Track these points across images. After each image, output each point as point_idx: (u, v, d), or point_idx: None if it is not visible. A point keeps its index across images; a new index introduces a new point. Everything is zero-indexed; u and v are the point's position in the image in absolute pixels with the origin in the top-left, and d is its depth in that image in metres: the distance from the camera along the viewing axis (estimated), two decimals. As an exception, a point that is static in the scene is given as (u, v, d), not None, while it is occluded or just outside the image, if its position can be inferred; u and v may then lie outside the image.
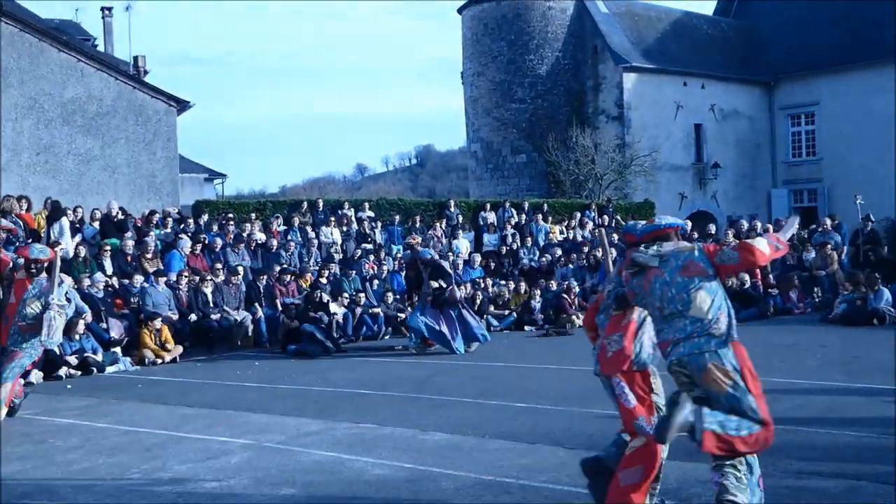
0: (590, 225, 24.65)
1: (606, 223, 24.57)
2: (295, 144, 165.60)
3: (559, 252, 21.95)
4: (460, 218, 23.80)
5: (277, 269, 17.70)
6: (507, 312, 18.94)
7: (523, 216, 24.27)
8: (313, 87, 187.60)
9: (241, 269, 17.21)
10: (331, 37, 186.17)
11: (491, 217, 24.13)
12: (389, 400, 10.45)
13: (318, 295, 16.21)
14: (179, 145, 24.41)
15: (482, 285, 19.45)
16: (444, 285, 14.81)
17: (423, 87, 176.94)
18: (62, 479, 7.10)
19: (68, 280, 14.33)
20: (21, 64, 21.21)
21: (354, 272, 18.76)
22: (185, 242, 17.49)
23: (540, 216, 24.25)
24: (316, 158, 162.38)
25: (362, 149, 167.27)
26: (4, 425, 9.17)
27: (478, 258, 21.34)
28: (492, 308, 18.89)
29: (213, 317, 15.96)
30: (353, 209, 22.94)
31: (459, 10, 36.99)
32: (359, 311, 17.03)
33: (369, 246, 20.81)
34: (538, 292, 18.99)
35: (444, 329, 14.53)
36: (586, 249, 21.63)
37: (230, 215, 20.46)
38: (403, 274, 16.87)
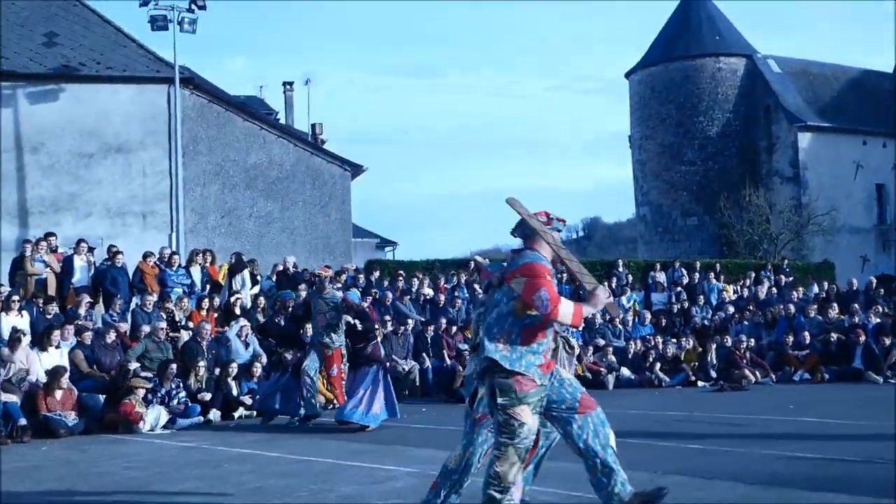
0: (765, 284, 23.74)
1: (783, 284, 23.63)
2: (463, 217, 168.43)
3: (732, 310, 21.19)
4: (629, 278, 23.38)
5: (444, 321, 17.78)
6: (678, 368, 18.37)
7: (695, 276, 23.63)
8: (481, 161, 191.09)
9: (409, 320, 17.38)
10: (498, 113, 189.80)
11: (661, 277, 23.59)
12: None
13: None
14: (353, 214, 25.30)
15: (652, 343, 18.98)
16: (367, 337, 11.63)
17: (590, 161, 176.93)
18: (234, 498, 7.24)
19: (248, 326, 15.03)
20: (209, 133, 22.58)
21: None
22: (354, 294, 17.89)
23: (712, 275, 23.55)
24: (484, 231, 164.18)
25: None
26: (183, 453, 9.48)
27: (647, 315, 20.83)
28: (658, 365, 18.34)
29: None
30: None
31: (627, 75, 36.95)
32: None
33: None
34: (714, 347, 18.36)
35: (361, 394, 11.28)
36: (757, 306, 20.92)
37: (400, 272, 20.91)
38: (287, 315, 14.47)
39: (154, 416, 11.96)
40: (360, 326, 11.27)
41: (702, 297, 22.36)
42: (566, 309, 5.11)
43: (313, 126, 26.24)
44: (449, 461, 5.89)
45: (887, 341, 18.05)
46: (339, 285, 18.93)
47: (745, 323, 20.51)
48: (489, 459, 5.40)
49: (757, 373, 17.89)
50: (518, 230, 5.52)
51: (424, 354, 16.87)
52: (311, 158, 24.23)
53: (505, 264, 5.41)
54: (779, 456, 8.33)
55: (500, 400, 5.15)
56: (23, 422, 11.24)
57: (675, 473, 7.73)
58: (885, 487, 6.86)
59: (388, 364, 13.08)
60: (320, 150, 24.98)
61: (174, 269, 16.42)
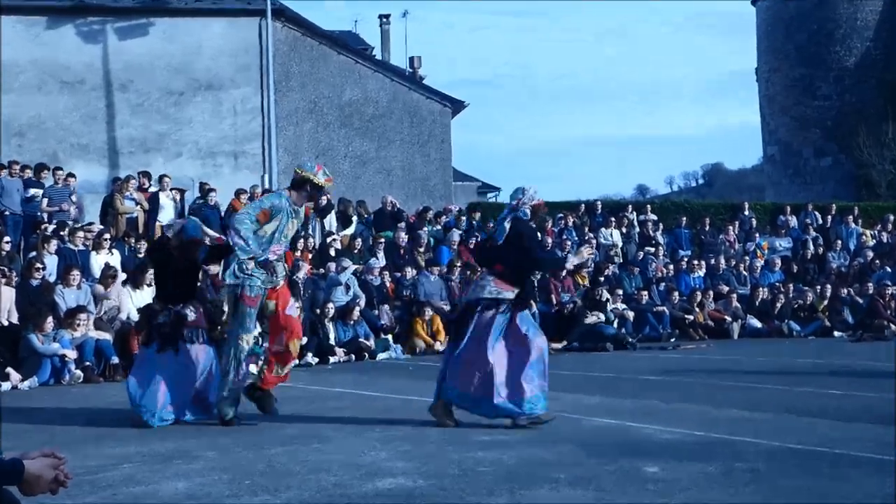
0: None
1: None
2: (570, 168, 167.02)
3: (871, 255, 20.48)
4: (754, 221, 22.81)
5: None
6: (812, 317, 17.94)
7: (829, 220, 22.90)
8: (589, 108, 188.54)
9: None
10: (608, 56, 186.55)
11: (792, 221, 22.97)
12: (677, 384, 10.08)
13: (599, 292, 16.05)
14: (454, 156, 25.12)
15: (783, 289, 18.52)
16: None
17: (710, 104, 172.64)
18: (330, 424, 7.34)
19: (351, 267, 15.18)
20: (302, 68, 22.72)
21: (637, 270, 18.45)
22: (454, 235, 17.95)
23: (851, 219, 22.76)
24: (593, 181, 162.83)
25: (643, 171, 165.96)
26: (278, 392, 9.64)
27: (777, 261, 20.30)
28: (789, 314, 17.87)
29: (486, 310, 16.16)
30: (634, 212, 22.62)
31: (753, 2, 35.64)
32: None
33: (652, 249, 20.41)
34: (850, 296, 17.80)
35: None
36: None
37: (504, 214, 20.75)
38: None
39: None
40: None
41: (838, 242, 21.68)
42: None
43: (411, 59, 26.11)
44: None
45: None
46: (439, 227, 19.02)
47: (888, 270, 19.82)
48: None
49: (903, 322, 17.35)
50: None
51: (531, 300, 16.75)
52: (408, 94, 24.16)
53: None
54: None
55: None
56: (115, 360, 11.60)
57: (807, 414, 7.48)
58: None
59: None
60: (419, 84, 24.87)
61: (267, 208, 16.64)
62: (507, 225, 7.23)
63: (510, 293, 7.13)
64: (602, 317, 16.24)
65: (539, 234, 8.81)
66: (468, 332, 7.08)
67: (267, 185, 20.02)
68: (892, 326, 16.83)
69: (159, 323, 7.78)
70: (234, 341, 7.46)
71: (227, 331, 7.89)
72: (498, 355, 7.02)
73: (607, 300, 16.58)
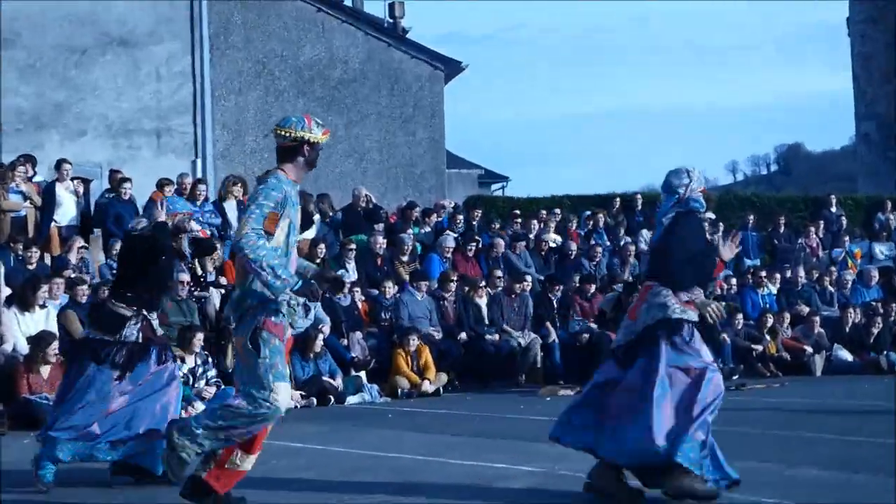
0: None
1: None
2: (601, 147, 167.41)
3: None
4: (844, 221, 22.99)
5: (577, 278, 17.74)
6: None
7: (946, 217, 23.15)
8: (627, 70, 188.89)
9: (528, 277, 17.35)
10: (653, 6, 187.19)
11: (893, 220, 23.16)
12: (741, 436, 10.16)
13: (632, 300, 16.12)
14: (448, 133, 25.23)
15: (881, 311, 18.69)
16: None
17: (787, 66, 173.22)
18: (281, 491, 7.41)
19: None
20: (247, 18, 22.80)
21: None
22: (448, 239, 17.97)
23: (977, 216, 23.01)
24: (632, 166, 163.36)
25: (699, 152, 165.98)
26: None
27: (874, 274, 20.43)
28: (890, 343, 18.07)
29: (489, 338, 16.20)
30: (685, 208, 22.73)
31: (843, -70, 35.95)
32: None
33: (709, 256, 20.50)
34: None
35: None
36: None
37: (516, 211, 20.95)
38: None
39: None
40: None
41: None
42: None
43: (391, 7, 26.01)
44: None
45: None
46: (428, 229, 19.09)
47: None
48: None
49: None
50: None
51: (549, 324, 16.87)
52: (387, 52, 24.20)
53: None
54: None
55: None
56: (-3, 407, 11.62)
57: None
58: None
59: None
60: (401, 40, 24.88)
61: (199, 203, 16.69)
62: (667, 221, 7.39)
63: (694, 313, 7.28)
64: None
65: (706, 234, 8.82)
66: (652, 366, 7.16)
67: (199, 173, 20.07)
68: None
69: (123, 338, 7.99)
70: (262, 399, 6.70)
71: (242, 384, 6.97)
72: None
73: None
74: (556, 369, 16.58)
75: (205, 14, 20.63)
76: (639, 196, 23.31)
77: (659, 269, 7.34)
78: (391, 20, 25.51)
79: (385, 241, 17.63)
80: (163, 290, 8.53)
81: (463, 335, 16.21)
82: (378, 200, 20.34)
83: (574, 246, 19.52)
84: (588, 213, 21.86)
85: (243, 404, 6.66)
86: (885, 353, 17.81)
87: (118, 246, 13.13)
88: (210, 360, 13.33)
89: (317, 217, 18.32)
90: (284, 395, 6.77)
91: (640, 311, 7.27)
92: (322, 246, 17.01)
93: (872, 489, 7.31)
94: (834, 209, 23.49)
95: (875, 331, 18.14)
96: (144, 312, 8.16)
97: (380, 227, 18.07)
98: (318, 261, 16.63)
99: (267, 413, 6.68)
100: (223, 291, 15.00)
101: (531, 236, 19.72)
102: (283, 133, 6.92)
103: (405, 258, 17.55)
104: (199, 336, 13.19)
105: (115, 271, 8.75)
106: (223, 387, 12.90)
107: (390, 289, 16.41)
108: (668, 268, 7.22)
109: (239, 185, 17.39)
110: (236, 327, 6.95)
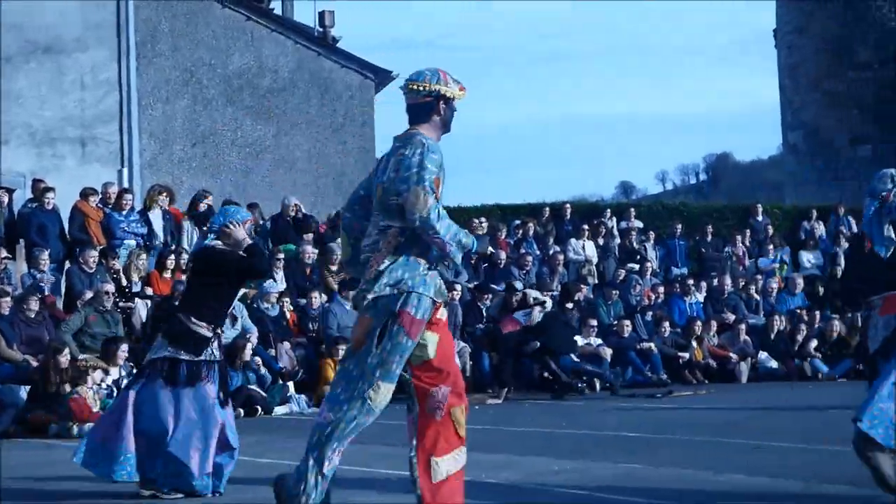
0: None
1: None
2: (537, 155, 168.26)
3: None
4: (770, 230, 23.32)
5: (505, 286, 17.86)
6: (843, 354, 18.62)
7: (868, 227, 23.49)
8: (559, 78, 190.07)
9: (456, 286, 17.44)
10: (585, 15, 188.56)
11: (819, 228, 23.53)
12: (668, 443, 10.31)
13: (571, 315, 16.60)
14: (378, 142, 25.19)
15: (806, 318, 18.98)
16: None
17: (716, 76, 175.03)
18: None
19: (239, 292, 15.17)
20: (175, 26, 22.63)
21: (617, 294, 18.70)
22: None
23: (893, 226, 23.34)
24: (564, 174, 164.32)
25: (628, 162, 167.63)
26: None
27: (799, 282, 20.74)
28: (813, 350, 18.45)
29: (418, 348, 16.26)
30: (614, 218, 22.96)
31: (770, -59, 36.47)
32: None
33: (636, 266, 20.73)
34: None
35: None
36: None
37: (445, 221, 20.93)
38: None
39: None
40: None
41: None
42: None
43: (321, 15, 25.99)
44: None
45: None
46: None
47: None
48: None
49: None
50: None
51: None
52: (317, 61, 24.16)
53: None
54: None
55: None
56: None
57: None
58: None
59: None
60: (331, 49, 24.84)
61: (125, 213, 16.57)
62: (890, 229, 7.09)
63: None
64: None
65: None
66: None
67: (126, 182, 19.91)
68: (945, 366, 17.29)
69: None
70: (357, 393, 6.13)
71: (345, 372, 6.30)
72: None
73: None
74: (485, 378, 16.64)
75: (131, 22, 20.47)
76: (568, 205, 23.45)
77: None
78: (321, 29, 25.46)
79: (314, 250, 17.64)
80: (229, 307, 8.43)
81: (391, 345, 16.22)
82: (308, 210, 20.29)
83: (503, 255, 19.64)
84: (517, 222, 21.97)
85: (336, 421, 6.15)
86: (809, 360, 18.09)
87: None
88: (135, 371, 13.19)
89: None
90: (384, 397, 6.11)
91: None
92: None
93: (797, 496, 7.42)
94: (760, 218, 23.80)
95: (800, 338, 18.42)
96: (217, 330, 7.99)
97: (309, 236, 18.08)
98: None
99: (359, 416, 6.14)
100: (149, 303, 14.89)
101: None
102: (415, 88, 6.26)
103: (334, 268, 17.50)
104: (124, 348, 13.10)
105: (187, 285, 8.43)
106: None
107: (319, 299, 16.40)
108: None
109: (164, 194, 17.29)
110: (368, 305, 6.07)
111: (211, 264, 7.90)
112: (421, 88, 6.22)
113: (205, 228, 10.19)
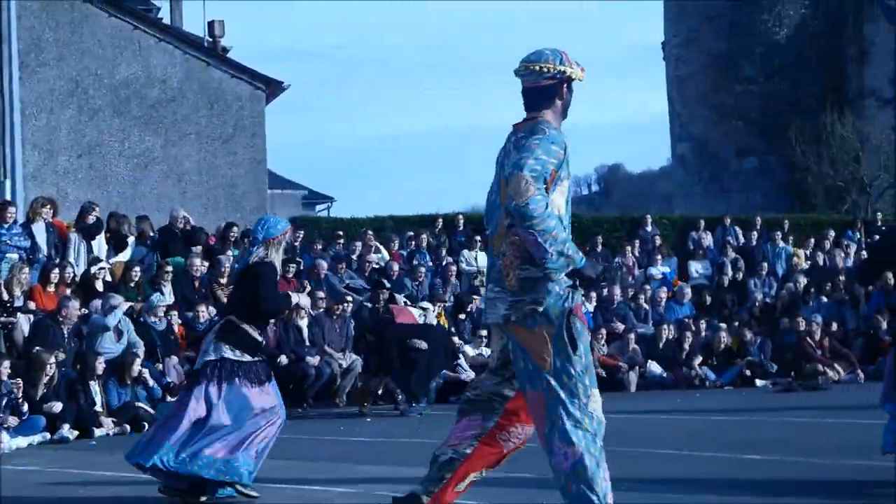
0: (852, 248, 24.16)
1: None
2: (428, 170, 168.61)
3: (805, 282, 21.53)
4: (658, 240, 23.66)
5: (403, 298, 17.87)
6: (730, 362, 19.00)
7: (753, 236, 23.99)
8: (452, 90, 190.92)
9: (349, 297, 17.41)
10: (475, 25, 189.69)
11: (706, 239, 23.94)
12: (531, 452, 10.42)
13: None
14: (270, 154, 25.08)
15: (693, 327, 19.36)
16: None
17: (606, 89, 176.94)
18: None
19: (123, 305, 15.02)
20: (59, 35, 22.30)
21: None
22: (269, 263, 17.95)
23: (779, 236, 23.88)
24: (457, 185, 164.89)
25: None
26: (16, 479, 9.48)
27: (686, 291, 21.08)
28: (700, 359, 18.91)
29: (310, 360, 16.17)
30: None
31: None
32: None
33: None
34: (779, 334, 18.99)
35: None
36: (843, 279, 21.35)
37: (339, 232, 21.13)
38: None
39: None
40: None
41: (764, 265, 22.68)
42: None
43: (210, 25, 25.81)
44: None
45: None
46: (241, 250, 18.99)
47: (824, 300, 20.82)
48: None
49: (839, 367, 18.27)
50: None
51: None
52: (206, 72, 23.96)
53: None
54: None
55: None
56: None
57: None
58: None
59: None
60: (221, 59, 24.67)
61: (8, 226, 16.27)
62: None
63: None
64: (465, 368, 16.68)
65: None
66: None
67: (8, 194, 19.55)
68: (828, 372, 17.77)
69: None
70: (580, 413, 5.65)
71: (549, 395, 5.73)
72: None
73: (459, 346, 17.16)
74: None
75: (13, 30, 20.11)
76: (460, 216, 23.60)
77: None
78: (210, 39, 25.28)
79: (203, 263, 17.46)
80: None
81: (283, 358, 16.13)
82: (198, 221, 20.10)
83: (396, 266, 19.68)
84: (410, 233, 22.06)
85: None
86: (695, 368, 18.37)
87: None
88: (15, 388, 12.94)
89: (131, 239, 18.09)
90: (599, 403, 5.66)
91: None
92: (137, 269, 16.79)
93: None
94: (649, 228, 24.16)
95: (686, 346, 18.68)
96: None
97: (198, 248, 17.88)
98: (132, 284, 16.48)
99: (590, 431, 5.57)
100: (31, 318, 14.63)
101: (353, 257, 19.88)
102: (537, 69, 5.77)
103: (224, 280, 17.36)
104: (6, 364, 12.84)
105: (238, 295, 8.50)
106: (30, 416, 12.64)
107: (208, 312, 16.24)
108: None
109: (48, 206, 16.99)
110: (526, 315, 5.57)
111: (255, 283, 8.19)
112: (544, 69, 5.76)
113: (245, 241, 10.40)
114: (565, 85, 5.76)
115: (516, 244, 5.54)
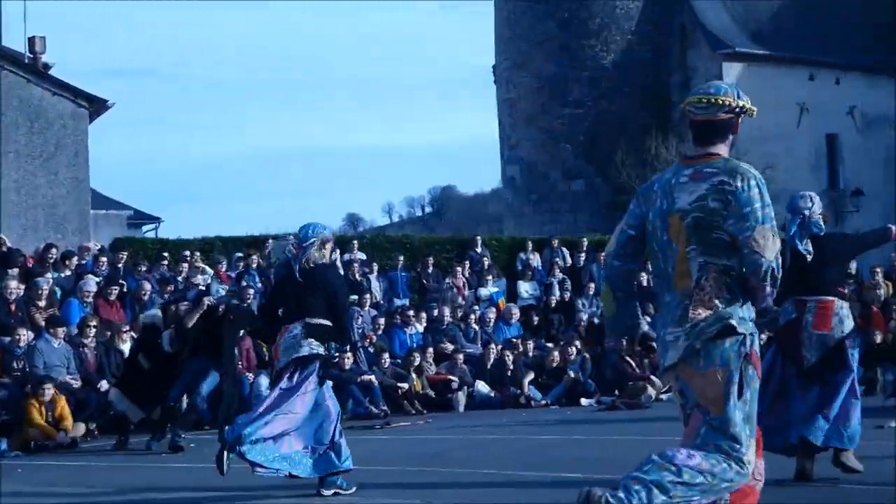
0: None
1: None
2: (261, 188, 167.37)
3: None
4: (486, 261, 23.94)
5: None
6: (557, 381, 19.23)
7: (581, 258, 24.45)
8: (296, 110, 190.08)
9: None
10: (313, 42, 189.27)
11: (535, 260, 24.30)
12: (381, 473, 10.43)
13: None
14: (93, 173, 24.66)
15: (520, 347, 19.59)
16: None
17: (440, 111, 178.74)
18: None
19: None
20: None
21: (338, 326, 18.86)
22: (89, 283, 17.63)
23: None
24: (290, 206, 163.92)
25: (355, 194, 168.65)
26: None
27: (515, 312, 21.36)
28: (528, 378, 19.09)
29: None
30: (338, 250, 23.06)
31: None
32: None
33: (356, 297, 20.93)
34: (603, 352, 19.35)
35: None
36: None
37: (164, 254, 21.16)
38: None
39: None
40: None
41: (591, 285, 23.08)
42: None
43: (31, 41, 25.30)
44: None
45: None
46: (68, 273, 18.60)
47: (647, 318, 21.26)
48: None
49: (660, 384, 18.65)
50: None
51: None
52: (27, 88, 23.44)
53: None
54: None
55: None
56: None
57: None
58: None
59: None
60: (42, 76, 24.15)
61: None
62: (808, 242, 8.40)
63: None
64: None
65: None
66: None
67: None
68: (649, 390, 18.06)
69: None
70: (734, 454, 5.37)
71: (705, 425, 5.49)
72: None
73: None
74: (203, 415, 16.37)
75: None
76: (291, 237, 23.43)
77: (827, 284, 8.47)
78: (31, 55, 24.73)
79: (20, 285, 17.01)
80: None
81: (104, 383, 15.77)
82: (15, 243, 19.62)
83: (223, 290, 19.46)
84: (239, 254, 21.85)
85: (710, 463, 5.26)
86: (522, 387, 18.59)
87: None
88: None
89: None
90: (754, 454, 5.44)
91: (833, 324, 8.38)
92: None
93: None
94: (479, 249, 24.40)
95: (513, 366, 18.84)
96: None
97: (14, 271, 17.41)
98: None
99: (736, 478, 5.32)
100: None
101: (179, 278, 19.63)
102: (717, 102, 5.53)
103: (42, 303, 16.97)
104: None
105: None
106: None
107: (24, 336, 15.80)
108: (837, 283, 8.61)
109: None
110: (701, 353, 5.38)
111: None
112: (724, 102, 5.54)
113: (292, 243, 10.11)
114: (740, 119, 5.63)
115: (719, 281, 5.41)
